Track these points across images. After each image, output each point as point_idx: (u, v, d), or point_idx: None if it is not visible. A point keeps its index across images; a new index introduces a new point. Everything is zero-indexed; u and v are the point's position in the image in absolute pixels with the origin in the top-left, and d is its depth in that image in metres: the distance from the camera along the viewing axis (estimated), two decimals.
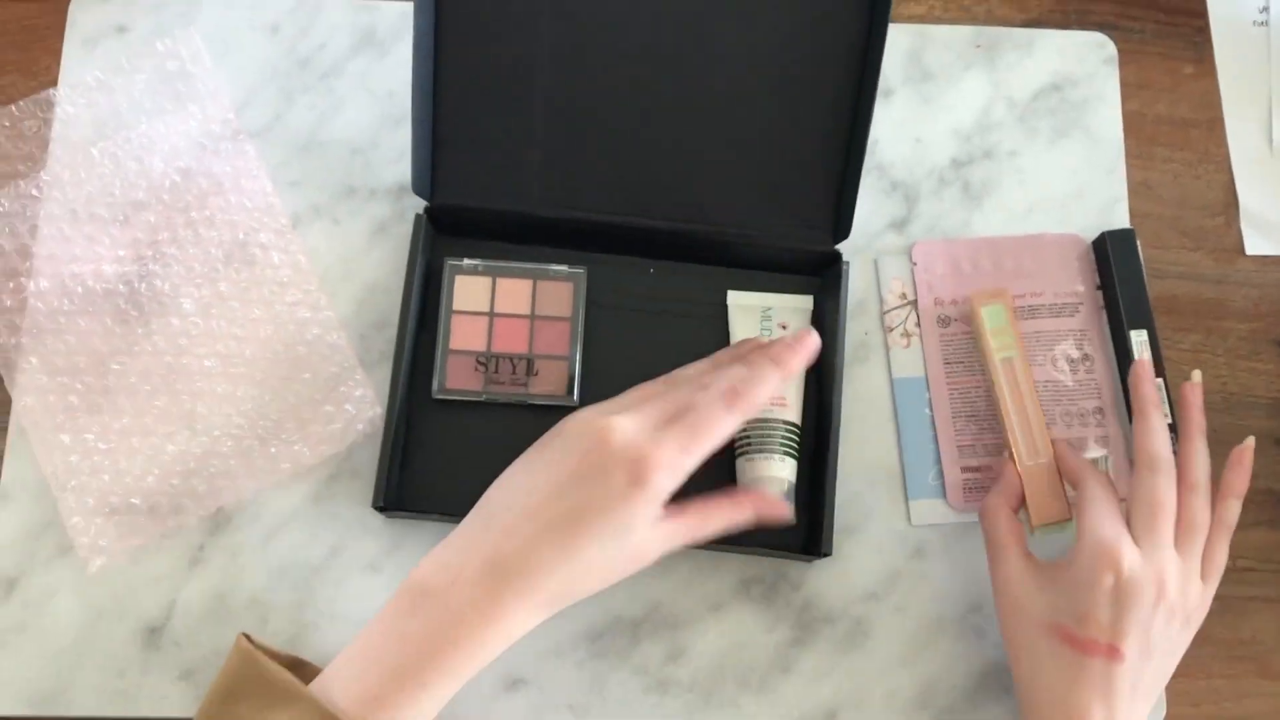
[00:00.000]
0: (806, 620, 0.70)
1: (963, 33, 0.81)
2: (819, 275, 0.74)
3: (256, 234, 0.74)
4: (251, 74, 0.78)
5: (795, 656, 0.70)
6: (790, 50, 0.69)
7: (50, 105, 0.75)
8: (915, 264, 0.75)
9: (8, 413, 0.71)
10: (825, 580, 0.71)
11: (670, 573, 0.70)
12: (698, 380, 0.63)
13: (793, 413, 0.70)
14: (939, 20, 0.81)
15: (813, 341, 0.64)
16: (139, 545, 0.70)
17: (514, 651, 0.68)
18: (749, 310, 0.73)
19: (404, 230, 0.74)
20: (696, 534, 0.61)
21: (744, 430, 0.70)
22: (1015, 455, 0.70)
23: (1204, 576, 0.64)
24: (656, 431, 0.58)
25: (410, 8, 0.68)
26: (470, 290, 0.73)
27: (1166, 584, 0.61)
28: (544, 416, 0.69)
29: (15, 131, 0.75)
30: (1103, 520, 0.63)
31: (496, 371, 0.72)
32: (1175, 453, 0.65)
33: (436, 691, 0.55)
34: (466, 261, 0.73)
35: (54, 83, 0.77)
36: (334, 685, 0.56)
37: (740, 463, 0.70)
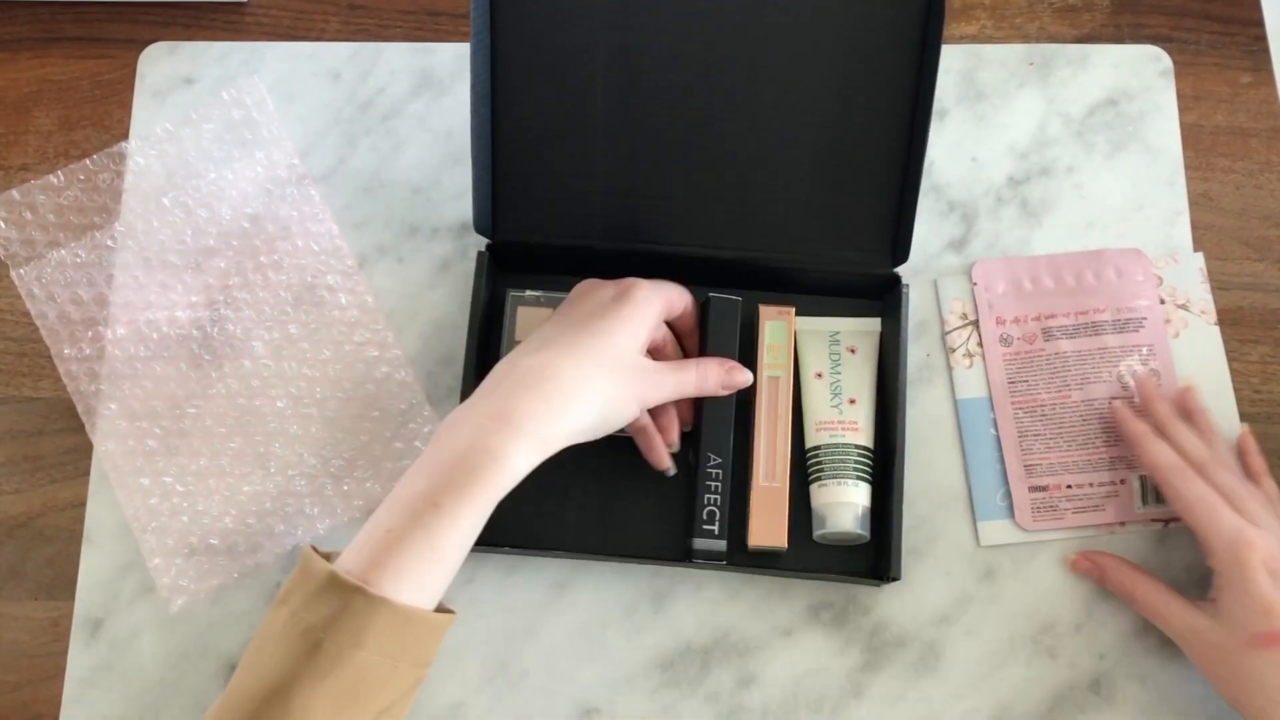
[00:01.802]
0: (877, 644, 0.70)
1: (1015, 51, 0.81)
2: (879, 298, 0.74)
3: (324, 276, 0.76)
4: (314, 119, 0.79)
5: (867, 681, 0.70)
6: (844, 76, 0.69)
7: (123, 158, 0.78)
8: (975, 284, 0.75)
9: (90, 458, 0.73)
10: (895, 604, 0.71)
11: (738, 599, 0.71)
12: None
13: (864, 437, 0.70)
14: (991, 39, 0.82)
15: None
16: (218, 584, 0.71)
17: (587, 681, 0.69)
18: (817, 335, 0.73)
19: (467, 267, 0.76)
20: (677, 376, 0.67)
21: (816, 455, 0.70)
22: (754, 473, 0.70)
23: None
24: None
25: (467, 48, 0.69)
26: (531, 320, 0.74)
27: None
28: (603, 446, 0.70)
29: (90, 185, 0.77)
30: (1216, 516, 0.64)
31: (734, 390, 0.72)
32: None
33: (448, 524, 0.56)
34: (529, 292, 0.74)
35: (125, 135, 0.79)
36: (345, 556, 0.57)
37: (814, 489, 0.70)
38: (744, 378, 0.69)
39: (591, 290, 0.67)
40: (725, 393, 0.69)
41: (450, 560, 0.57)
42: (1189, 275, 0.75)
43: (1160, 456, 0.68)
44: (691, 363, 0.68)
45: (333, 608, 0.54)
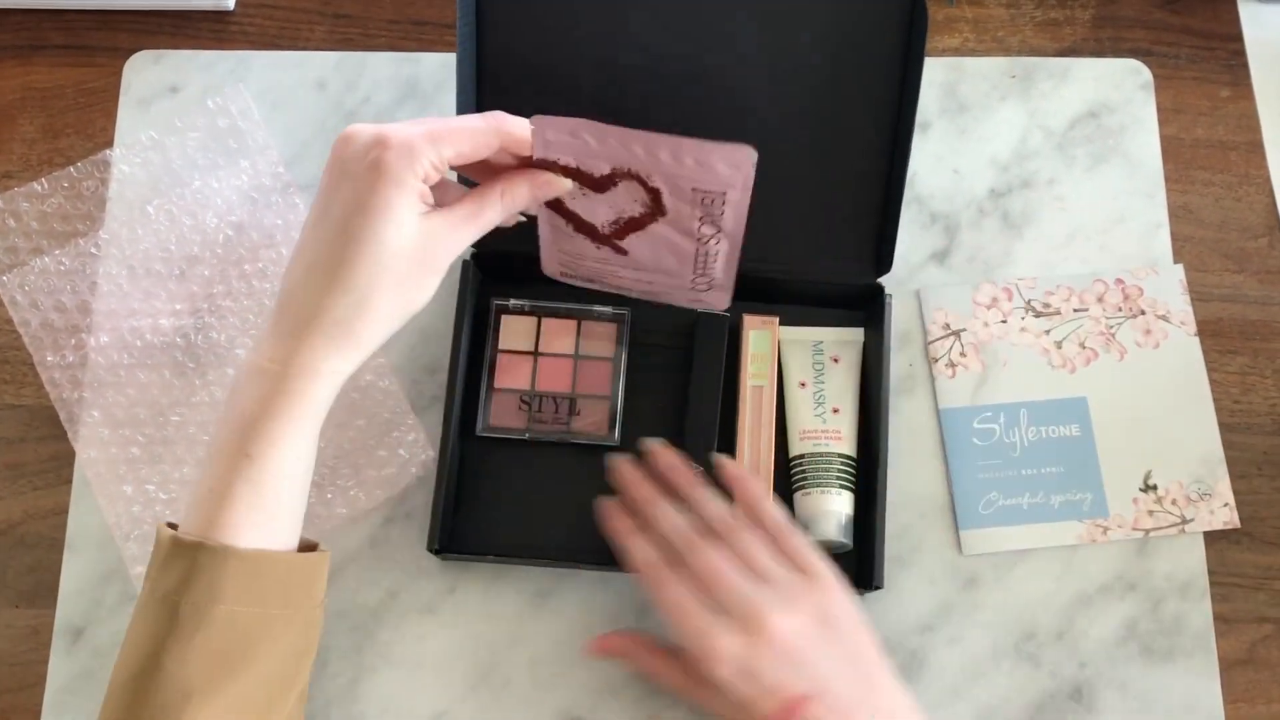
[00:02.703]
0: None
1: (997, 64, 0.81)
2: (863, 309, 0.75)
3: None
4: (300, 128, 0.80)
5: None
6: (828, 88, 0.70)
7: (107, 165, 0.78)
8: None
9: (72, 465, 0.73)
10: (878, 613, 0.71)
11: None
12: None
13: (847, 446, 0.70)
14: (973, 52, 0.82)
15: None
16: None
17: (570, 689, 0.69)
18: (801, 345, 0.73)
19: (452, 276, 0.75)
20: (477, 221, 0.60)
21: (799, 464, 0.70)
22: None
23: (807, 573, 0.63)
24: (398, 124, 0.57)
25: (452, 57, 0.69)
26: (516, 330, 0.74)
27: (768, 623, 0.59)
28: (586, 455, 0.71)
29: (75, 192, 0.77)
30: (683, 625, 0.61)
31: (540, 410, 0.73)
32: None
33: (266, 470, 0.56)
34: (513, 301, 0.74)
35: (110, 143, 0.79)
36: (183, 521, 0.57)
37: (797, 497, 0.70)
38: (560, 185, 0.62)
39: (341, 170, 0.57)
40: (536, 206, 0.63)
41: (286, 497, 0.57)
42: (1169, 287, 0.76)
43: (636, 555, 0.64)
44: (491, 189, 0.60)
45: (182, 569, 0.54)
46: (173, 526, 0.57)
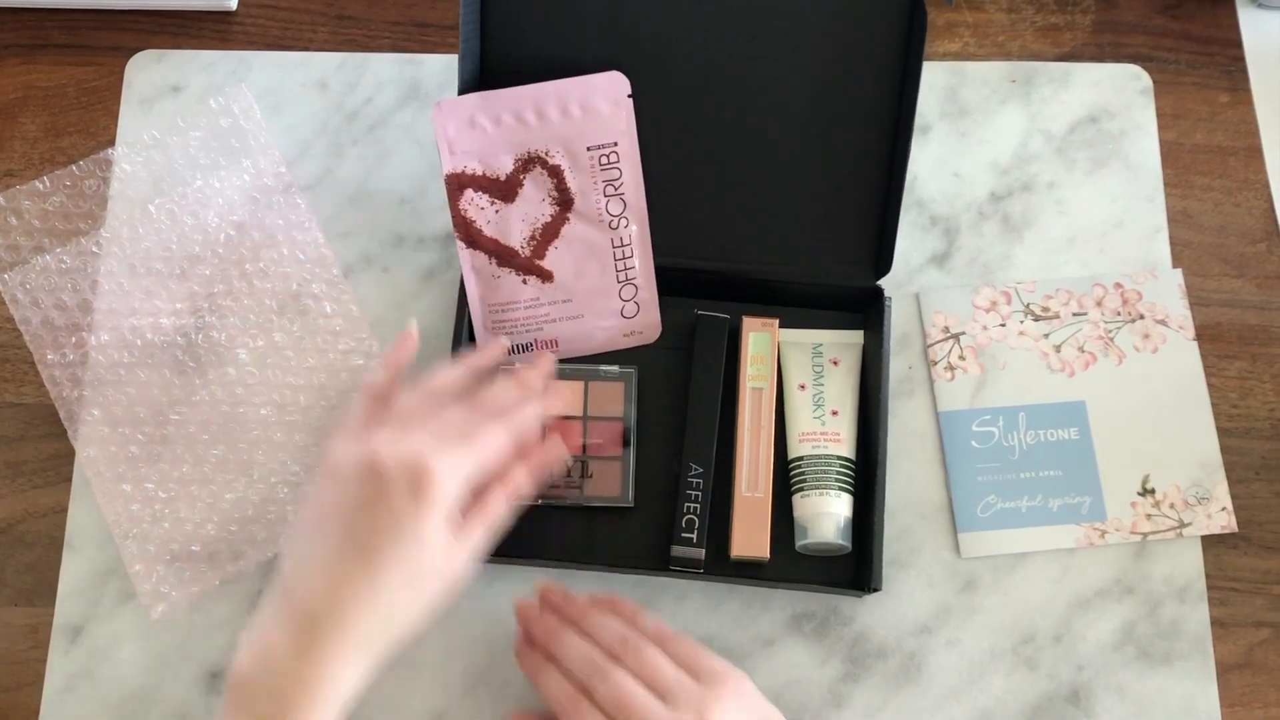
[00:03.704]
0: (858, 655, 0.71)
1: (997, 68, 0.81)
2: (862, 311, 0.75)
3: (309, 284, 0.76)
4: (301, 129, 0.80)
5: (848, 692, 0.70)
6: (828, 90, 0.70)
7: (109, 164, 0.78)
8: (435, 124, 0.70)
9: (71, 464, 0.73)
10: (876, 615, 0.71)
11: (720, 609, 0.71)
12: (462, 398, 0.61)
13: (846, 448, 0.71)
14: (974, 56, 0.82)
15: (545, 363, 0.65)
16: (200, 591, 0.71)
17: None
18: (800, 347, 0.73)
19: (452, 276, 0.76)
20: (491, 524, 0.59)
21: (798, 466, 0.70)
22: (736, 483, 0.70)
23: (713, 677, 0.61)
24: (431, 440, 0.56)
25: (454, 59, 0.69)
26: None
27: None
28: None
29: (76, 191, 0.77)
30: None
31: (551, 475, 0.71)
32: None
33: None
34: (519, 365, 0.73)
35: (112, 142, 0.79)
36: None
37: (796, 499, 0.70)
38: (556, 451, 0.64)
39: (377, 489, 0.55)
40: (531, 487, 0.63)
41: None
42: (1168, 291, 0.76)
43: (551, 689, 0.62)
44: (495, 494, 0.60)
45: None
46: None
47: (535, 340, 0.73)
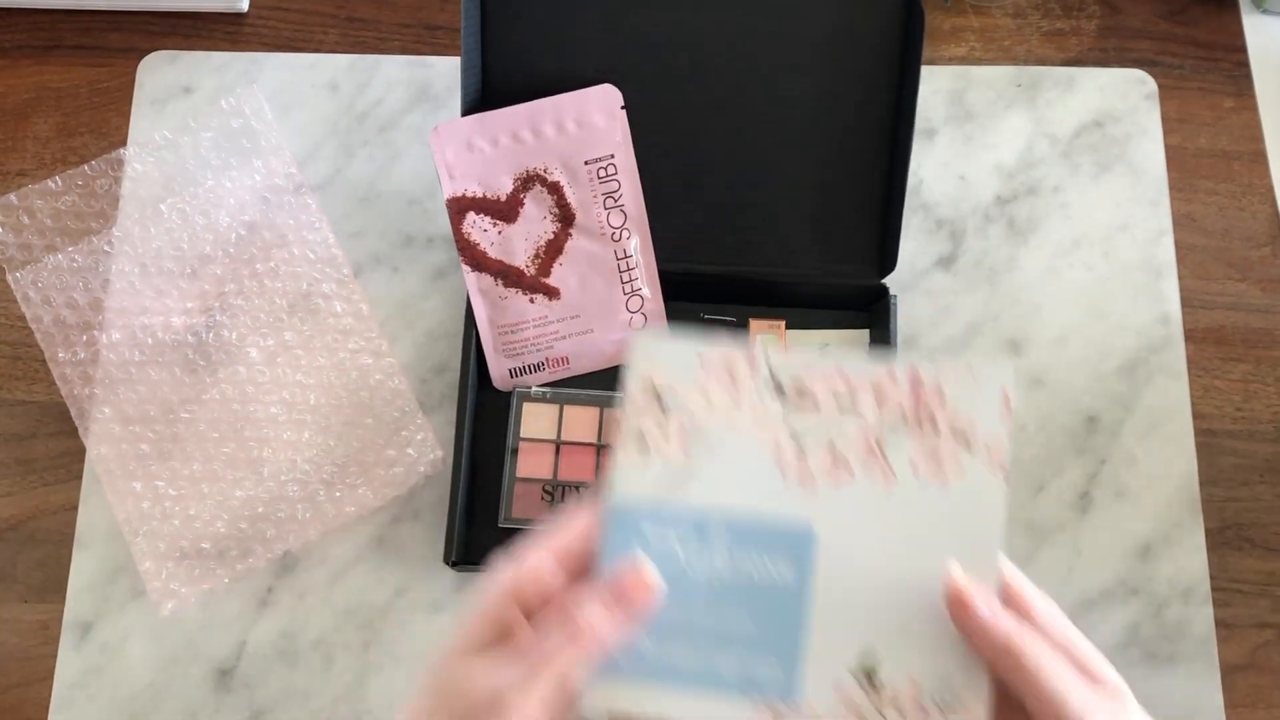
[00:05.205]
0: None
1: (1003, 73, 0.82)
2: (867, 310, 0.75)
3: (319, 284, 0.76)
4: (312, 130, 0.80)
5: None
6: (829, 93, 0.71)
7: (120, 164, 0.78)
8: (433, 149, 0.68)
9: (82, 461, 0.74)
10: None
11: None
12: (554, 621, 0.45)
13: None
14: (979, 61, 0.83)
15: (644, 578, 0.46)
16: (209, 589, 0.71)
17: None
18: (806, 348, 0.74)
19: (460, 276, 0.76)
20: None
21: None
22: None
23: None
24: (514, 683, 0.44)
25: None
26: (537, 417, 0.73)
27: None
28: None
29: (88, 190, 0.78)
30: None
31: (563, 501, 0.72)
32: None
33: None
34: (535, 389, 0.74)
35: (124, 142, 0.80)
36: None
37: None
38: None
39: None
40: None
41: None
42: (986, 397, 0.46)
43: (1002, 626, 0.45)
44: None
45: None
46: None
47: (546, 359, 0.73)
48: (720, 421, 0.48)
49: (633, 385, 0.48)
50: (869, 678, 0.46)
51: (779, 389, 0.49)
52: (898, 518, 0.47)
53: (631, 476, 0.47)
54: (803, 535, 0.47)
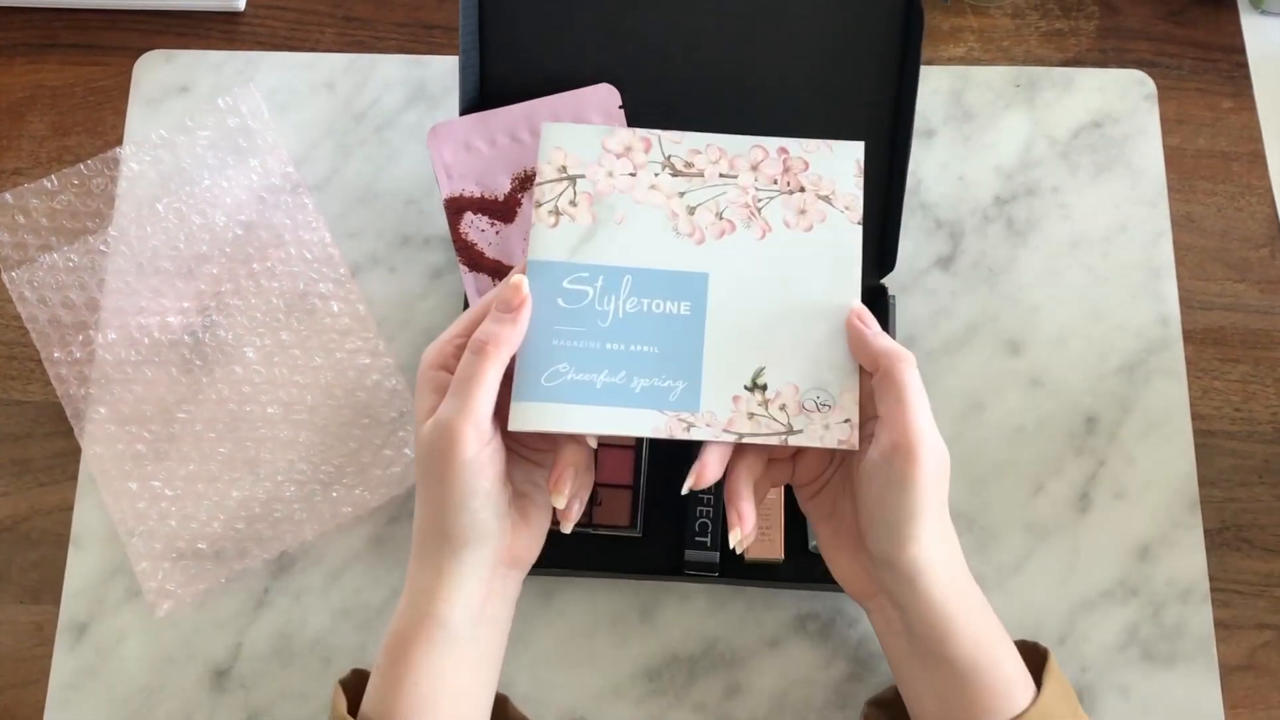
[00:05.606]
0: (863, 656, 0.71)
1: (1002, 73, 0.82)
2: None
3: (316, 284, 0.76)
4: (309, 129, 0.80)
5: (852, 692, 0.70)
6: (828, 92, 0.70)
7: (116, 163, 0.78)
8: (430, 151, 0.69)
9: (78, 462, 0.73)
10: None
11: (725, 609, 0.71)
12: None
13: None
14: (978, 61, 0.83)
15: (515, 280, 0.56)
16: (205, 589, 0.71)
17: (574, 690, 0.69)
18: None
19: (458, 277, 0.76)
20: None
21: None
22: None
23: None
24: (447, 409, 0.54)
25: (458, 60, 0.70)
26: None
27: None
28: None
29: (84, 189, 0.77)
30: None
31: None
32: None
33: (417, 691, 0.56)
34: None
35: (120, 141, 0.79)
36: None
37: None
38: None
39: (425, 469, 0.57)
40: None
41: (450, 696, 0.57)
42: (841, 165, 0.61)
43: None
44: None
45: None
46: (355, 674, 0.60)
47: None
48: (622, 193, 0.60)
49: (545, 165, 0.60)
50: (760, 388, 0.58)
51: (670, 164, 0.61)
52: (776, 259, 0.59)
53: (548, 239, 0.59)
54: (697, 276, 0.59)
